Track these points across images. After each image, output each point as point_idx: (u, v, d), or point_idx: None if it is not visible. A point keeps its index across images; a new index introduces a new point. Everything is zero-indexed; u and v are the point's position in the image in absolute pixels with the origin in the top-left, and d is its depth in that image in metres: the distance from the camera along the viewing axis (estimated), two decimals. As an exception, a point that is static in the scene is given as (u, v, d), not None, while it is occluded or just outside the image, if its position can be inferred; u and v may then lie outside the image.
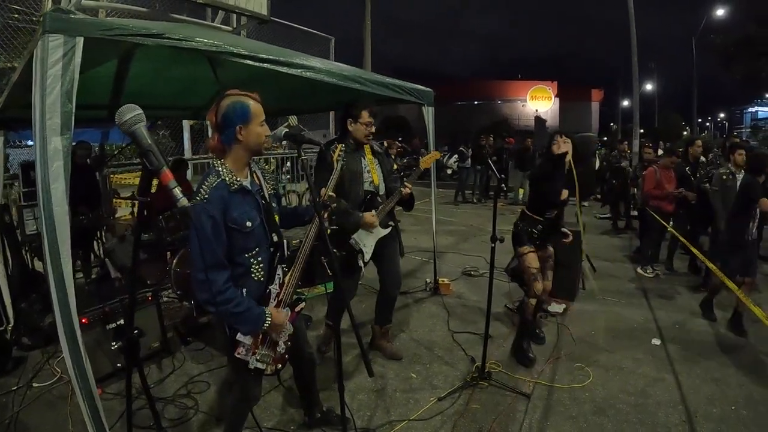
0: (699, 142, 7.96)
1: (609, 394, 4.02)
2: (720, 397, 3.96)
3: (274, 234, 2.64)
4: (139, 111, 1.92)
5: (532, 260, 4.56)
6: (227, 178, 2.39)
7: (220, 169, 2.41)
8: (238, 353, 2.50)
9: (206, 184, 2.35)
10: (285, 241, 2.72)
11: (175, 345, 4.77)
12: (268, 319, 2.48)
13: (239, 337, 2.48)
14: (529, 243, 4.59)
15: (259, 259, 2.54)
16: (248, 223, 2.44)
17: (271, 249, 2.62)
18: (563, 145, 4.40)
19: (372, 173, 4.17)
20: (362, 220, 4.02)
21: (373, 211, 4.10)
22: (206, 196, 2.32)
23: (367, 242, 4.15)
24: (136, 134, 1.89)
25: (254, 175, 2.61)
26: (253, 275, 2.52)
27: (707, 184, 6.89)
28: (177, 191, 1.86)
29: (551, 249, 4.80)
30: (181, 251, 5.26)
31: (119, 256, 5.24)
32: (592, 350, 4.81)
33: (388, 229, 4.30)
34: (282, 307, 2.64)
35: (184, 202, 1.88)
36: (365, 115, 4.03)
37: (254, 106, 2.44)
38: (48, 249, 2.46)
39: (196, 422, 3.64)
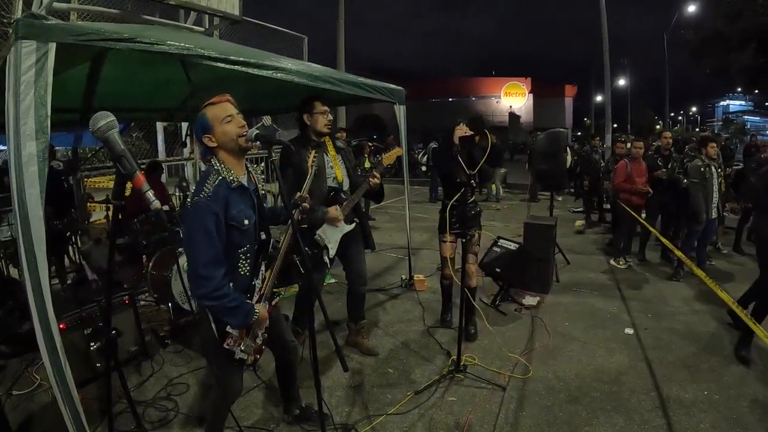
0: (667, 134, 8.11)
1: (583, 383, 4.10)
2: (692, 383, 4.06)
3: (262, 232, 2.72)
4: (113, 118, 1.97)
5: (446, 249, 4.88)
6: (227, 176, 2.47)
7: (219, 167, 2.49)
8: (227, 344, 2.57)
9: (208, 181, 2.42)
10: (272, 239, 2.80)
11: (154, 348, 4.75)
12: (256, 314, 2.57)
13: (229, 329, 2.56)
14: (448, 231, 4.76)
15: (248, 255, 2.63)
16: (246, 221, 2.52)
17: (257, 246, 2.69)
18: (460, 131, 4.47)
19: (335, 169, 4.17)
20: (327, 215, 4.00)
21: (337, 206, 4.08)
22: (210, 193, 2.38)
23: (332, 238, 4.16)
24: (109, 140, 1.94)
25: (250, 175, 2.69)
26: (239, 270, 2.60)
27: (680, 175, 7.04)
28: (150, 194, 1.92)
29: (477, 235, 4.84)
30: (157, 254, 5.25)
31: (95, 259, 5.22)
32: (567, 341, 4.90)
33: (353, 225, 4.30)
34: (262, 301, 2.72)
35: (156, 204, 1.93)
36: (318, 105, 4.01)
37: (211, 110, 2.50)
38: (24, 254, 2.46)
39: (177, 424, 3.64)
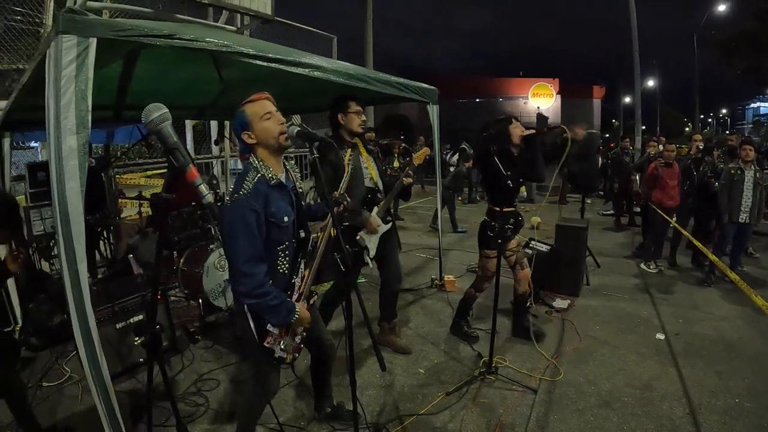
0: (698, 137, 7.97)
1: (614, 387, 4.05)
2: (723, 390, 3.99)
3: (301, 230, 2.71)
4: (165, 110, 1.98)
5: (494, 265, 4.50)
6: (266, 173, 2.48)
7: (257, 165, 2.49)
8: (268, 342, 2.57)
9: (248, 179, 2.43)
10: (311, 237, 2.80)
11: (184, 343, 4.81)
12: (297, 313, 2.56)
13: (269, 327, 2.55)
14: (499, 243, 4.49)
15: (287, 252, 2.62)
16: (285, 218, 2.53)
17: (295, 244, 2.69)
18: (518, 129, 4.41)
19: (370, 170, 4.20)
20: (368, 222, 4.08)
21: (375, 208, 4.15)
22: (249, 190, 2.39)
23: (371, 239, 4.20)
24: (162, 132, 1.95)
25: (289, 173, 2.69)
26: (279, 267, 2.60)
27: (712, 179, 6.91)
28: (203, 188, 1.94)
29: (517, 238, 4.75)
30: (188, 251, 5.30)
31: (142, 252, 5.29)
32: (597, 344, 4.84)
33: (388, 225, 4.33)
34: (301, 299, 2.71)
35: (210, 198, 1.94)
36: (353, 105, 4.03)
37: (250, 107, 2.50)
38: (63, 247, 2.49)
39: (207, 419, 3.68)
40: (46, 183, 5.18)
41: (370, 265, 4.30)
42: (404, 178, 4.14)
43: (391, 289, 4.62)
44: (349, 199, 3.21)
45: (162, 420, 3.47)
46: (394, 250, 4.55)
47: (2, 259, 3.14)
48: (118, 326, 4.24)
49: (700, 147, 7.87)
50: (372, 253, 4.21)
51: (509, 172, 4.14)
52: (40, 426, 3.36)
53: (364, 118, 4.14)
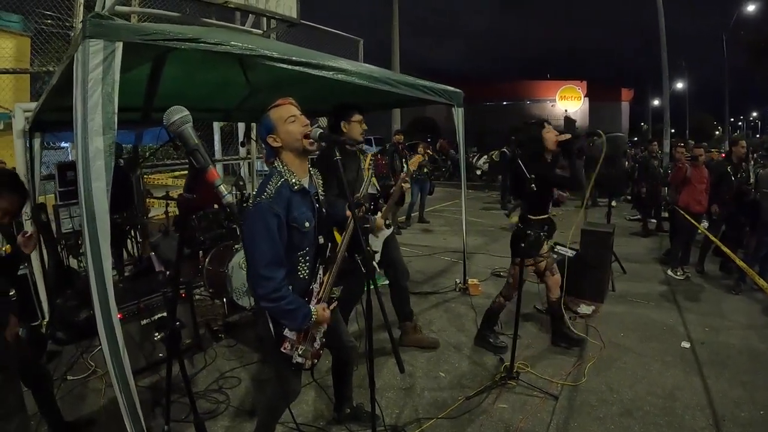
0: (743, 143, 7.69)
1: (636, 395, 4.00)
2: (748, 401, 3.92)
3: (320, 236, 2.73)
4: (187, 112, 2.02)
5: (526, 273, 4.52)
6: (289, 179, 2.51)
7: (282, 169, 2.53)
8: (284, 348, 2.58)
9: (271, 183, 2.46)
10: (329, 243, 2.82)
11: (207, 341, 4.87)
12: (314, 317, 2.57)
13: (286, 333, 2.57)
14: (536, 253, 4.54)
15: (307, 258, 2.65)
16: (306, 224, 2.55)
17: (315, 250, 2.71)
18: (552, 133, 4.33)
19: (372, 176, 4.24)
20: (375, 224, 4.19)
21: (379, 214, 4.26)
22: (272, 194, 2.43)
23: (377, 243, 4.33)
24: (183, 134, 2.00)
25: (313, 179, 2.72)
26: (299, 273, 2.63)
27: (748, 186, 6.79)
28: (222, 188, 1.98)
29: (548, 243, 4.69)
30: (213, 250, 5.36)
31: (164, 250, 5.39)
32: (621, 352, 4.78)
33: (391, 229, 4.47)
34: (321, 303, 2.72)
35: (229, 198, 1.98)
36: (356, 114, 4.08)
37: (275, 112, 2.55)
38: (89, 245, 2.54)
39: (228, 416, 3.72)
40: (75, 182, 5.31)
41: (378, 270, 4.36)
42: (402, 184, 4.24)
43: (401, 285, 4.70)
44: (368, 203, 3.24)
45: (182, 416, 3.52)
46: (396, 250, 4.68)
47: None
48: (142, 323, 4.32)
49: (743, 153, 7.62)
50: (378, 257, 4.31)
51: (533, 175, 4.08)
52: (64, 418, 3.44)
53: (365, 126, 4.19)
